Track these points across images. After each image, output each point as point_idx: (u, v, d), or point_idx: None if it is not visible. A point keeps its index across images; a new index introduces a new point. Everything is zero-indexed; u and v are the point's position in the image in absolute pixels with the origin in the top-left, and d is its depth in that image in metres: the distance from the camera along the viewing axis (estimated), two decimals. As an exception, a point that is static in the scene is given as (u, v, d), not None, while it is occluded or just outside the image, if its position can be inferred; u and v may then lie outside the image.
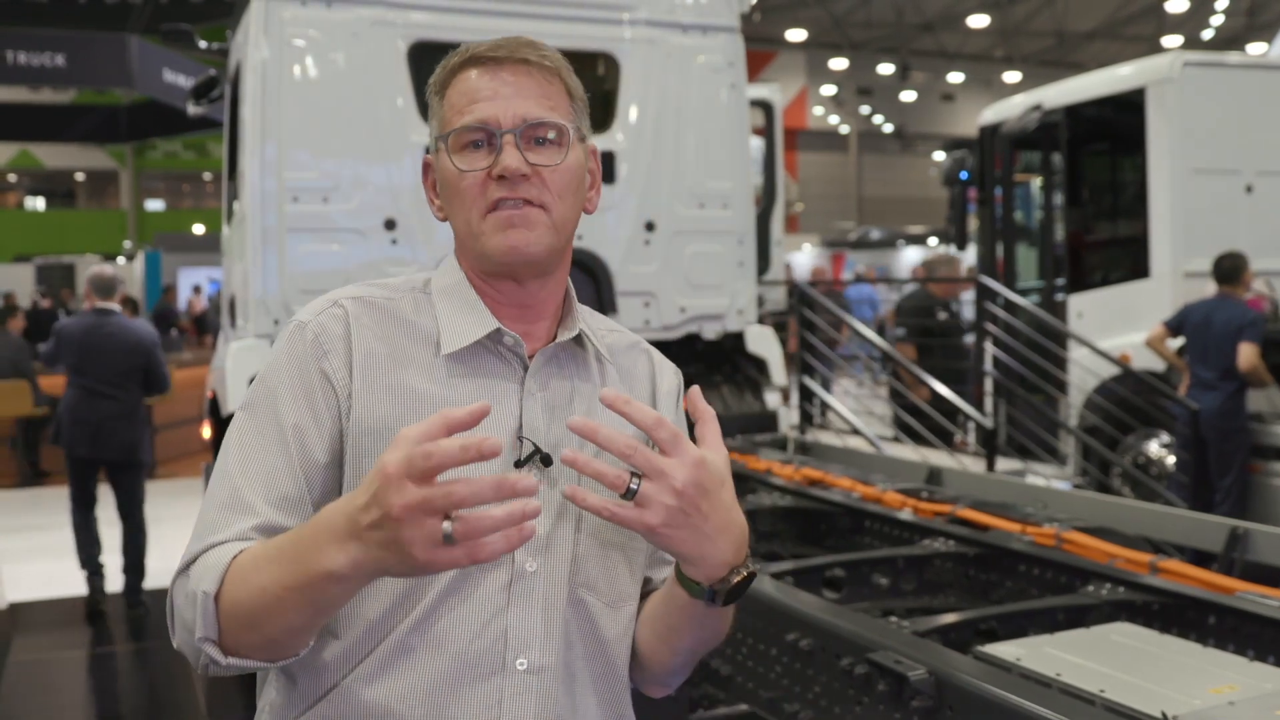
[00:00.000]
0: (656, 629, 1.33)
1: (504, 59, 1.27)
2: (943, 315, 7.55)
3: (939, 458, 6.35)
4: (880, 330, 12.25)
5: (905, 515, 3.50)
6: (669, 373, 1.46)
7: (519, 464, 1.26)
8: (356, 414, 1.24)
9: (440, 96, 1.31)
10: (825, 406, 7.58)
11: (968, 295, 10.35)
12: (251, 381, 1.33)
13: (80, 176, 30.38)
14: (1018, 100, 8.42)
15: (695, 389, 1.20)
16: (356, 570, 1.03)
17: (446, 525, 0.97)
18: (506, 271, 1.29)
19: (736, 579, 1.21)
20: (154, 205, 29.85)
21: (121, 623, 6.04)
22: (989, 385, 7.45)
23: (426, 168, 1.36)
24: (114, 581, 6.50)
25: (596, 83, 5.26)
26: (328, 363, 1.25)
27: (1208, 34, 29.09)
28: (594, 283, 5.04)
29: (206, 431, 5.68)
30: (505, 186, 1.25)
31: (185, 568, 1.18)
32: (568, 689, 1.26)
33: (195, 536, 1.20)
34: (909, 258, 24.54)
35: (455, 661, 1.21)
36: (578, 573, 1.28)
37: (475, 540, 0.98)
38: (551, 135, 1.27)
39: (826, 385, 8.26)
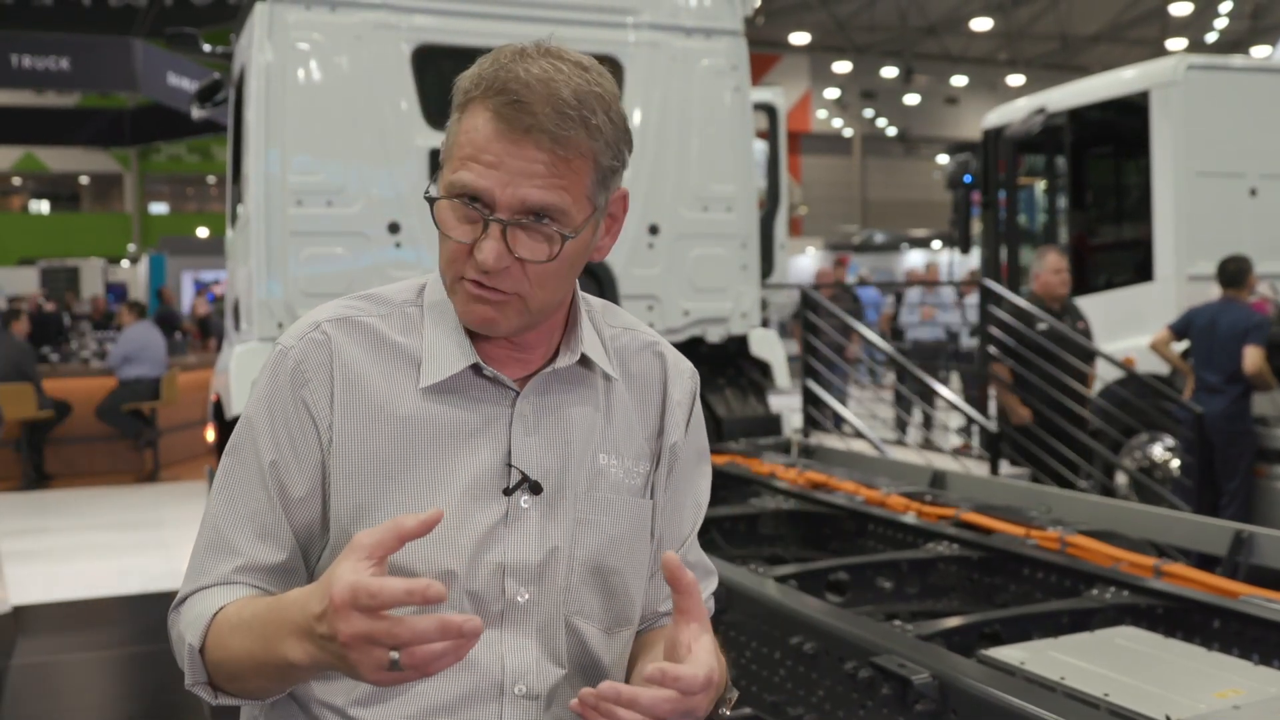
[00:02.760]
0: None
1: (521, 130, 1.13)
2: (1043, 326, 6.46)
3: (943, 461, 6.34)
4: (882, 334, 12.25)
5: (909, 519, 3.49)
6: (684, 378, 1.39)
7: (508, 492, 1.23)
8: (337, 443, 1.22)
9: (459, 113, 1.19)
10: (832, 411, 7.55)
11: (971, 299, 10.35)
12: (253, 387, 1.32)
13: (84, 180, 30.42)
14: (1021, 103, 8.41)
15: (671, 556, 1.14)
16: (314, 666, 1.07)
17: (394, 654, 0.99)
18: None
19: (725, 711, 1.25)
20: (158, 208, 29.86)
21: (124, 625, 6.05)
22: (993, 388, 7.44)
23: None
24: (110, 584, 6.51)
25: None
26: (308, 391, 1.23)
27: (1212, 37, 29.07)
28: (598, 286, 5.04)
29: (210, 435, 5.68)
30: (480, 272, 1.17)
31: (177, 605, 1.24)
32: (567, 714, 1.25)
33: (186, 575, 1.25)
34: (912, 260, 24.54)
35: (452, 688, 1.21)
36: (571, 601, 1.26)
37: (420, 667, 1.01)
38: (547, 227, 1.16)
39: (839, 391, 8.20)
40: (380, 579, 0.99)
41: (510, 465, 1.23)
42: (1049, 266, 6.33)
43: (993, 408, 7.31)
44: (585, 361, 1.29)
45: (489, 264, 1.15)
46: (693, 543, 1.42)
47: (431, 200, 1.19)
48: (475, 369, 1.24)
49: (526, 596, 1.23)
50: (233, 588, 1.21)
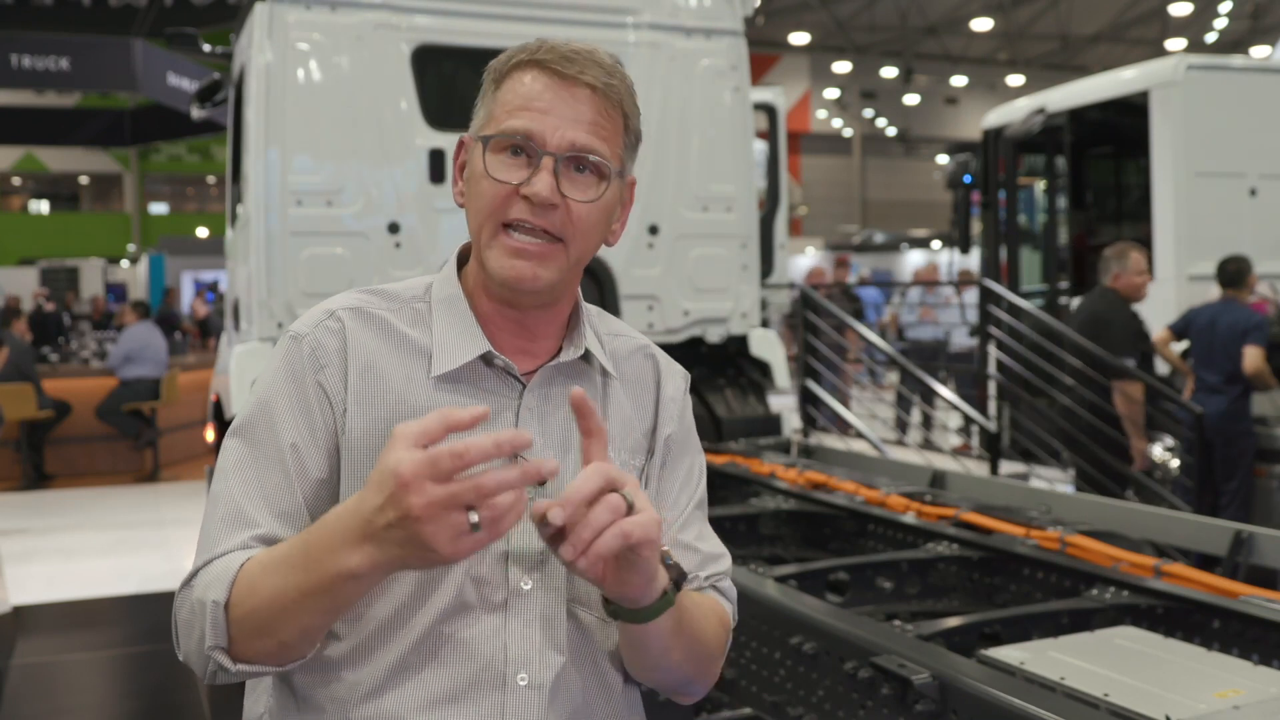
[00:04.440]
0: (633, 661, 1.31)
1: (572, 76, 1.23)
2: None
3: (943, 461, 6.35)
4: (883, 333, 12.25)
5: (909, 519, 3.49)
6: (675, 378, 1.45)
7: None
8: (350, 428, 1.24)
9: (495, 87, 1.28)
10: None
11: (970, 298, 10.35)
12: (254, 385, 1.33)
13: (84, 180, 30.42)
14: (1021, 103, 8.42)
15: (578, 392, 1.16)
16: (374, 569, 1.05)
17: (473, 515, 0.99)
18: (506, 295, 1.28)
19: (662, 588, 1.19)
20: (158, 208, 29.87)
21: (124, 625, 6.05)
22: (992, 389, 7.45)
23: (461, 147, 1.33)
24: (110, 584, 6.51)
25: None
26: (324, 376, 1.26)
27: (1211, 37, 29.08)
28: (598, 286, 5.04)
29: (210, 435, 5.68)
30: (529, 209, 1.22)
31: (188, 581, 1.20)
32: (569, 703, 1.26)
33: (198, 550, 1.23)
34: (913, 261, 24.54)
35: (455, 678, 1.22)
36: (572, 588, 1.28)
37: (497, 521, 1.00)
38: (593, 167, 1.24)
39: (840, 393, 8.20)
40: (464, 439, 0.99)
41: (516, 456, 1.25)
42: (1133, 267, 5.93)
43: (992, 408, 7.31)
44: (586, 357, 1.34)
45: (543, 196, 1.21)
46: (702, 526, 1.42)
47: (484, 140, 1.25)
48: (486, 359, 1.28)
49: (530, 584, 1.25)
50: (252, 550, 1.19)
